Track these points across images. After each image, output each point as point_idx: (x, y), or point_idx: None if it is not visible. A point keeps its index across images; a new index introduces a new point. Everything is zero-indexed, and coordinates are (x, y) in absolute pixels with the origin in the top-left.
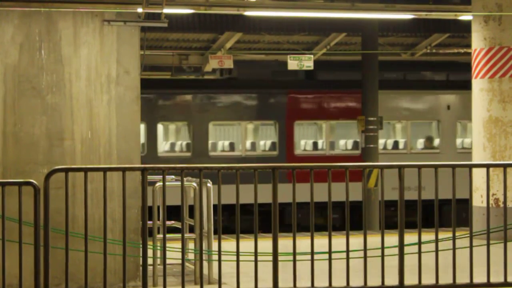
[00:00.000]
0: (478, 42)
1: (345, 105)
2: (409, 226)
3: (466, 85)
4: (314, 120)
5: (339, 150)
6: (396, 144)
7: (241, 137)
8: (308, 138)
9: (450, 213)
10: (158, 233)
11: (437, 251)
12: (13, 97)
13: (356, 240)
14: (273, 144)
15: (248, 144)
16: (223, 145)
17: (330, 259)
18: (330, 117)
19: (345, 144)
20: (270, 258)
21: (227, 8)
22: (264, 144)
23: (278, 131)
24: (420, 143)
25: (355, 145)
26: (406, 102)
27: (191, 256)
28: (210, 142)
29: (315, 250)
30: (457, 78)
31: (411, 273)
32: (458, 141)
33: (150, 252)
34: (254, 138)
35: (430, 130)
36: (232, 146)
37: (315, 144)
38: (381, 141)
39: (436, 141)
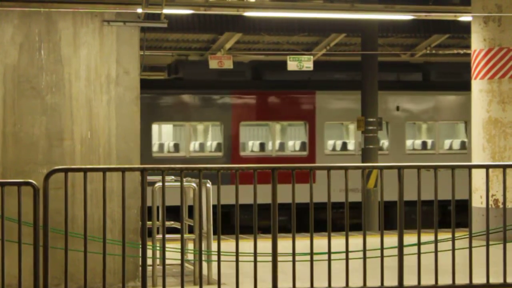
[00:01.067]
0: (477, 43)
1: (294, 106)
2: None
3: (416, 86)
4: (260, 121)
5: (287, 152)
6: (344, 146)
7: (187, 138)
8: (254, 139)
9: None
10: (158, 233)
11: (436, 251)
12: (12, 97)
13: (355, 241)
14: (218, 145)
15: (195, 145)
16: (168, 146)
17: (329, 260)
18: (277, 118)
19: (293, 145)
20: (270, 258)
21: (227, 8)
22: (211, 145)
23: (224, 132)
24: None
25: (303, 146)
26: (354, 103)
27: (190, 256)
28: (154, 143)
29: (315, 250)
30: (407, 78)
31: (410, 274)
32: (407, 142)
33: (149, 253)
34: (201, 139)
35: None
36: (177, 148)
37: (262, 145)
38: (330, 142)
39: (385, 143)
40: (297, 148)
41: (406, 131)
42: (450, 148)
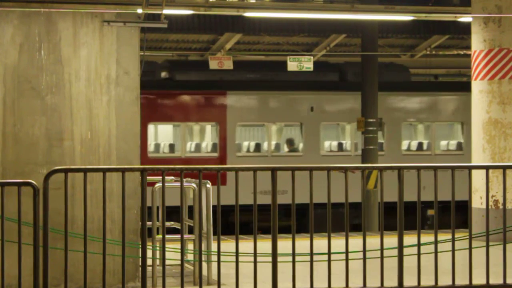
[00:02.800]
0: (477, 43)
1: (205, 107)
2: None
3: (331, 86)
4: (169, 122)
5: (198, 153)
6: (258, 147)
7: None
8: (165, 141)
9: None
10: (158, 234)
11: (436, 252)
12: (12, 97)
13: (355, 241)
14: None
15: None
16: None
17: (329, 260)
18: (188, 119)
19: (205, 146)
20: (270, 259)
21: (227, 9)
22: None
23: None
24: (283, 146)
25: (214, 147)
26: (270, 103)
27: (190, 257)
28: None
29: (314, 251)
30: (322, 78)
31: (410, 275)
32: (322, 144)
33: (149, 253)
34: None
35: (293, 132)
36: None
37: (171, 146)
38: (245, 144)
39: (299, 144)
40: (209, 149)
41: (322, 133)
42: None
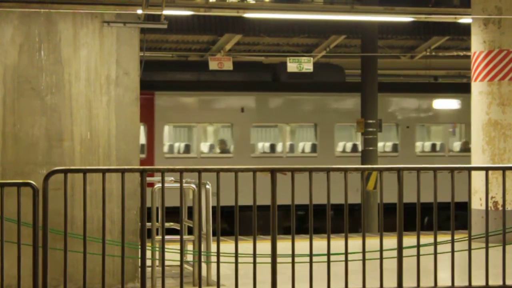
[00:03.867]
0: (477, 45)
1: None
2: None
3: (263, 86)
4: None
5: None
6: (187, 148)
7: None
8: None
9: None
10: (157, 234)
11: (435, 253)
12: (12, 97)
13: (354, 243)
14: None
15: None
16: None
17: (328, 261)
18: None
19: None
20: (269, 260)
21: (227, 10)
22: None
23: None
24: (214, 147)
25: (142, 148)
26: (200, 104)
27: (189, 257)
28: None
29: (314, 252)
30: (254, 79)
31: (409, 276)
32: (255, 145)
33: (148, 254)
34: None
35: (224, 134)
36: None
37: None
38: (176, 145)
39: (231, 146)
40: None
41: (252, 134)
42: (303, 151)
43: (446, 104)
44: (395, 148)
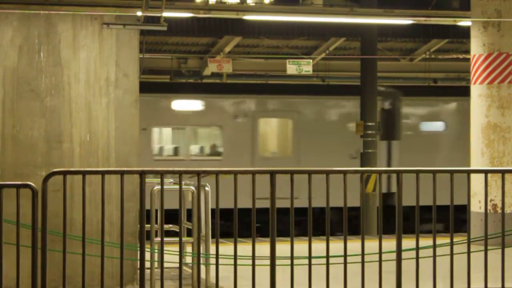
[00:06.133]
0: (477, 48)
1: None
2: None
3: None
4: None
5: None
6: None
7: None
8: None
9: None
10: (156, 236)
11: (434, 256)
12: (12, 99)
13: (353, 245)
14: None
15: None
16: None
17: (327, 264)
18: None
19: None
20: (268, 262)
21: (227, 12)
22: None
23: None
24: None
25: None
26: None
27: (188, 259)
28: None
29: (313, 254)
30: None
31: (408, 279)
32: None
33: (147, 256)
34: None
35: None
36: None
37: None
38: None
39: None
40: None
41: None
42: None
43: None
44: None
